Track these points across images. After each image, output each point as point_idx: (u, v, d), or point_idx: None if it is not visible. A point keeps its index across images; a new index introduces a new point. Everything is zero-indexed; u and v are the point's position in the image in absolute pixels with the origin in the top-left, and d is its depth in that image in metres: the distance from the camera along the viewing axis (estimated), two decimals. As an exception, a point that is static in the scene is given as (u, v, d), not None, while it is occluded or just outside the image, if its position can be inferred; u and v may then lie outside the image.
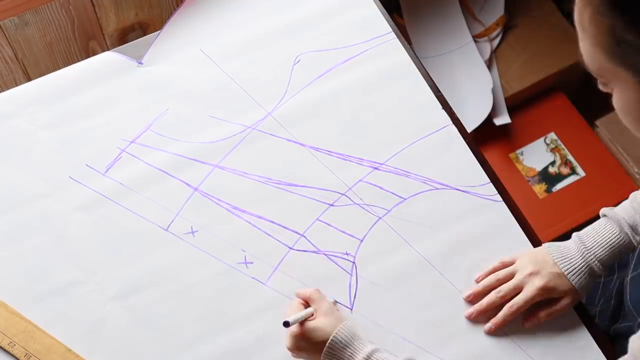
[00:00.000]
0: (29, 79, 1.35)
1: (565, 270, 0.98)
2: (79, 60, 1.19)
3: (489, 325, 0.99)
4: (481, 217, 1.06)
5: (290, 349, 0.93)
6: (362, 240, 1.04)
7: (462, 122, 1.16)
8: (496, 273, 1.02)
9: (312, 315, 0.94)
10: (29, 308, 0.98)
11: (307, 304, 0.96)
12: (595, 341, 0.99)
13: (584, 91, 1.86)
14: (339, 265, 1.03)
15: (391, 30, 1.22)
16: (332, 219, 1.05)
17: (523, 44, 1.90)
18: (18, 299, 0.99)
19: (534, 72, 1.84)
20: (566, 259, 0.99)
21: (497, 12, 2.00)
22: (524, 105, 1.86)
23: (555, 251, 1.00)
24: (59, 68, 1.17)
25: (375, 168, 1.10)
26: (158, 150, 1.10)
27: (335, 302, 1.00)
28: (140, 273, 1.01)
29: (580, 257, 0.99)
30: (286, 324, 0.90)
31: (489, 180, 1.09)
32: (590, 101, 1.66)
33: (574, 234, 1.02)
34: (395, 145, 1.12)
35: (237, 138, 1.12)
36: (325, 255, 1.03)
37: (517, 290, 0.99)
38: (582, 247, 0.99)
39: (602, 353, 0.98)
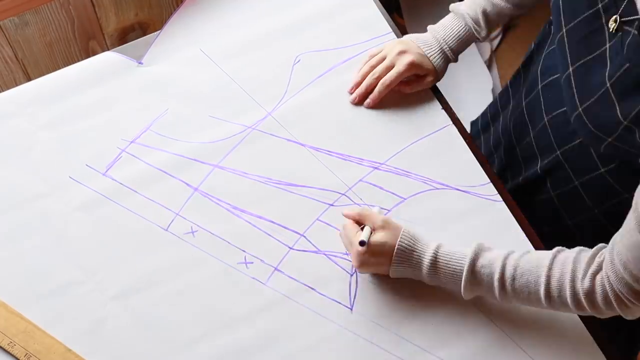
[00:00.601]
0: (29, 79, 1.35)
1: (427, 52, 1.14)
2: (79, 60, 1.19)
3: (367, 101, 1.14)
4: (481, 217, 1.06)
5: (359, 267, 0.98)
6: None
7: (462, 122, 1.16)
8: (369, 61, 1.16)
9: (372, 231, 0.97)
10: (29, 308, 0.98)
11: (359, 223, 0.99)
12: (595, 341, 0.99)
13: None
14: (339, 265, 1.03)
15: (391, 30, 1.22)
16: (332, 219, 1.05)
17: (523, 44, 1.90)
18: (18, 299, 0.99)
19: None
20: (426, 45, 1.15)
21: (497, 12, 2.00)
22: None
23: (416, 38, 1.16)
24: (59, 68, 1.17)
25: (375, 168, 1.10)
26: (158, 150, 1.10)
27: (380, 208, 1.03)
28: (140, 273, 1.01)
29: (436, 44, 1.15)
30: (362, 243, 0.94)
31: (489, 180, 1.09)
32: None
33: (428, 27, 1.17)
34: (395, 145, 1.12)
35: (237, 138, 1.12)
36: (325, 255, 1.03)
37: (389, 70, 1.13)
38: (437, 36, 1.15)
39: (602, 353, 0.98)
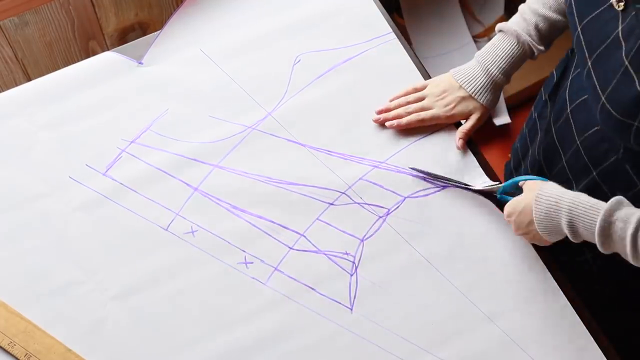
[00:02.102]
0: (29, 79, 1.35)
1: (471, 91, 1.10)
2: (79, 60, 1.19)
3: (393, 122, 1.12)
4: (481, 216, 1.06)
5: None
6: (362, 240, 1.04)
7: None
8: (407, 96, 1.13)
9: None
10: (29, 308, 0.98)
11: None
12: (595, 341, 0.99)
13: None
14: (339, 265, 1.03)
15: (391, 30, 1.22)
16: (332, 218, 1.05)
17: (523, 44, 1.90)
18: (18, 299, 0.99)
19: (533, 72, 1.84)
20: (471, 81, 1.10)
21: (497, 12, 2.01)
22: (524, 105, 1.86)
23: (459, 75, 1.11)
24: (59, 68, 1.17)
25: (375, 167, 1.10)
26: (158, 150, 1.10)
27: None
28: (140, 273, 1.01)
29: (484, 75, 1.10)
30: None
31: (488, 180, 1.09)
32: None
33: (476, 54, 1.12)
34: (395, 145, 1.12)
35: (237, 138, 1.12)
36: (325, 255, 1.03)
37: (423, 111, 1.11)
38: (484, 64, 1.10)
39: (602, 353, 0.98)
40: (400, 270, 1.02)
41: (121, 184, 1.07)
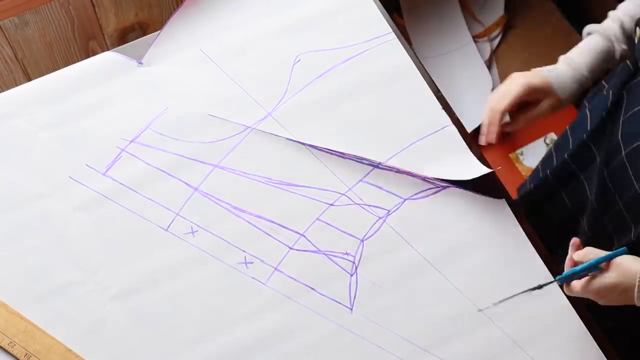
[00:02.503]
0: (29, 79, 1.35)
1: (553, 77, 1.07)
2: (79, 60, 1.19)
3: (482, 137, 1.09)
4: (481, 216, 1.06)
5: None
6: (362, 240, 1.04)
7: (462, 122, 1.16)
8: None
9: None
10: (29, 308, 0.98)
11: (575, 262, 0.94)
12: (595, 341, 0.99)
13: (584, 91, 1.86)
14: (339, 265, 1.03)
15: (391, 30, 1.22)
16: (332, 218, 1.05)
17: (523, 44, 1.90)
18: (18, 299, 0.99)
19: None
20: (555, 72, 1.07)
21: (497, 12, 2.00)
22: (524, 105, 1.86)
23: (547, 70, 1.08)
24: (59, 68, 1.17)
25: (375, 167, 1.10)
26: (158, 150, 1.10)
27: None
28: (140, 273, 1.01)
29: (570, 71, 1.07)
30: None
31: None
32: (590, 101, 1.66)
33: (560, 57, 1.10)
34: (395, 145, 1.12)
35: (237, 138, 1.12)
36: (325, 255, 1.03)
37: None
38: (572, 64, 1.07)
39: (602, 353, 0.98)
40: (401, 270, 1.02)
41: (121, 184, 1.07)
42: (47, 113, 1.13)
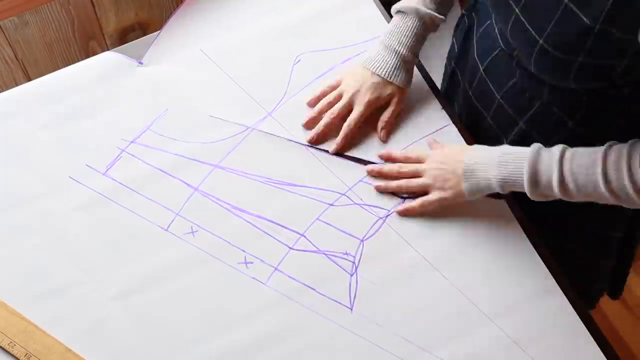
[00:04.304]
0: (29, 79, 1.35)
1: (384, 74, 1.09)
2: (79, 60, 1.19)
3: (333, 147, 1.10)
4: (481, 216, 1.06)
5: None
6: (362, 240, 1.04)
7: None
8: (326, 97, 1.12)
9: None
10: (29, 308, 0.98)
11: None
12: (595, 341, 0.99)
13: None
14: (339, 265, 1.03)
15: (391, 30, 1.22)
16: (332, 218, 1.05)
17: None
18: (18, 299, 0.99)
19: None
20: (381, 64, 1.10)
21: (497, 12, 2.00)
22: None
23: (369, 62, 1.11)
24: (59, 68, 1.17)
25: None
26: (158, 150, 1.10)
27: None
28: (140, 273, 1.01)
29: (393, 56, 1.10)
30: None
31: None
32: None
33: (378, 41, 1.12)
34: (395, 145, 1.12)
35: (237, 138, 1.12)
36: (325, 255, 1.03)
37: (348, 108, 1.10)
38: (390, 46, 1.10)
39: (602, 353, 0.98)
40: (401, 270, 1.02)
41: (121, 184, 1.07)
42: (47, 113, 1.13)
